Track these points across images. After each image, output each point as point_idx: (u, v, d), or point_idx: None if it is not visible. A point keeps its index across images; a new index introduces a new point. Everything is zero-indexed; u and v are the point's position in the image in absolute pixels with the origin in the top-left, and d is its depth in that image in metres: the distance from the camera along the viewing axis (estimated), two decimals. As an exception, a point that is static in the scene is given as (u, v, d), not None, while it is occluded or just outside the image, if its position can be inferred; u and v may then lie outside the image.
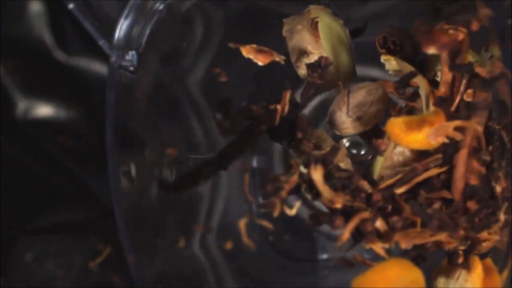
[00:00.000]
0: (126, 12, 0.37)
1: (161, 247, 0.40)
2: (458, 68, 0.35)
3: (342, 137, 0.45)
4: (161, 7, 0.37)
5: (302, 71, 0.38)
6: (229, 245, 0.45)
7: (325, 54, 0.38)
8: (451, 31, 0.34)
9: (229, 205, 0.47)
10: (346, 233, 0.33)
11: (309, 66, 0.37)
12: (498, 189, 0.34)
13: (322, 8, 0.39)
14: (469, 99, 0.35)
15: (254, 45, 0.37)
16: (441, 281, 0.36)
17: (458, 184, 0.34)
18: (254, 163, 0.50)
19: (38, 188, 0.54)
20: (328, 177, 0.33)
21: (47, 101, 0.54)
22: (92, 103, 0.54)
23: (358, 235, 0.34)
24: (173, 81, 0.41)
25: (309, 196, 0.35)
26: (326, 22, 0.39)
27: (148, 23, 0.37)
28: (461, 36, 0.33)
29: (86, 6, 0.38)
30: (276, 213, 0.34)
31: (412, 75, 0.35)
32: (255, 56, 0.37)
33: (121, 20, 0.37)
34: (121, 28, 0.37)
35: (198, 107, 0.44)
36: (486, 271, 0.35)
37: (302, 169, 0.34)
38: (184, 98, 0.43)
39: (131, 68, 0.37)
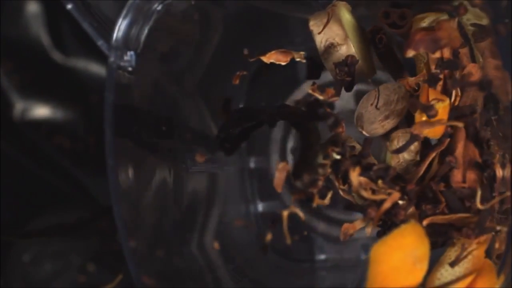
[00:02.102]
0: (124, 12, 0.36)
1: (160, 248, 0.40)
2: (444, 65, 0.36)
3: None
4: (159, 7, 0.37)
5: (330, 63, 0.39)
6: (227, 245, 0.46)
7: (352, 46, 0.38)
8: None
9: (227, 206, 0.47)
10: (378, 215, 0.34)
11: (337, 65, 0.38)
12: (499, 174, 0.35)
13: (345, 5, 0.39)
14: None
15: (273, 51, 0.38)
16: (452, 252, 0.37)
17: (456, 174, 0.35)
18: (252, 164, 0.50)
19: (35, 189, 0.54)
20: (365, 170, 0.35)
21: (45, 102, 0.54)
22: (90, 104, 0.54)
23: (388, 225, 0.35)
24: (172, 81, 0.41)
25: (342, 193, 0.36)
26: (348, 18, 0.39)
27: (146, 23, 0.37)
28: (435, 28, 0.34)
29: (85, 6, 0.38)
30: (315, 204, 0.35)
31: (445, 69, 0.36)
32: (277, 58, 0.38)
33: (120, 20, 0.37)
34: (120, 29, 0.37)
35: (197, 107, 0.44)
36: (483, 268, 0.35)
37: (336, 156, 0.35)
38: (183, 98, 0.43)
39: (130, 69, 0.37)
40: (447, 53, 0.36)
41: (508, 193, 0.35)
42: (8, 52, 0.53)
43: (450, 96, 0.36)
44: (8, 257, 0.53)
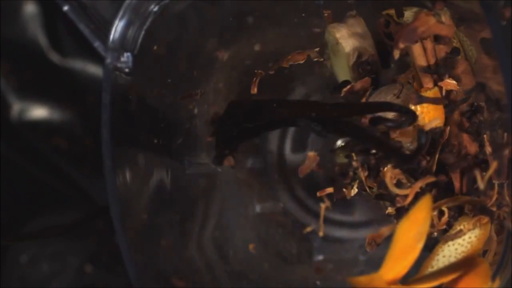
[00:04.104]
0: (121, 13, 0.36)
1: (158, 248, 0.40)
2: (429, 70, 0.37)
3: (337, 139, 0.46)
4: (155, 8, 0.37)
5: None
6: (225, 246, 0.45)
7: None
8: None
9: (224, 207, 0.47)
10: (411, 195, 0.36)
11: (360, 64, 0.39)
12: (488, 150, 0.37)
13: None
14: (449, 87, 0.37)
15: (290, 56, 0.41)
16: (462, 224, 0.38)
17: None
18: (249, 164, 0.50)
19: (32, 190, 0.54)
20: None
21: (42, 103, 0.54)
22: (87, 105, 0.54)
23: None
24: (169, 82, 0.41)
25: (367, 187, 0.39)
26: None
27: (143, 24, 0.37)
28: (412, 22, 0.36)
29: (81, 7, 0.37)
30: (348, 196, 0.40)
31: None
32: (295, 59, 0.41)
33: (116, 22, 0.36)
34: (116, 30, 0.37)
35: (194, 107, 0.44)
36: (477, 266, 0.35)
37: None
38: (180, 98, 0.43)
39: (127, 70, 0.37)
40: (430, 44, 0.36)
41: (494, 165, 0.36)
42: (5, 53, 0.53)
43: (440, 88, 0.37)
44: (6, 258, 0.53)
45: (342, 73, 0.41)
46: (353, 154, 0.40)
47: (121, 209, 0.37)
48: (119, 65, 0.37)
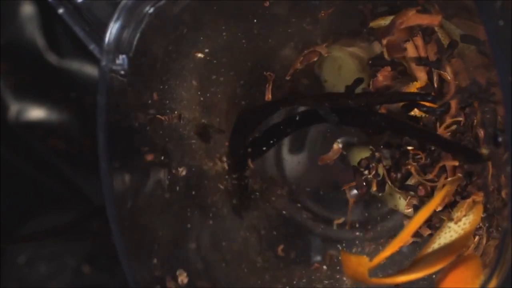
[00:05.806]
0: (116, 15, 0.36)
1: (156, 249, 0.40)
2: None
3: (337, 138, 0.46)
4: (151, 10, 0.37)
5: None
6: (224, 247, 0.46)
7: None
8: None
9: (223, 208, 0.47)
10: (436, 169, 0.38)
11: (373, 60, 0.41)
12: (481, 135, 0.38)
13: None
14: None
15: (302, 57, 0.42)
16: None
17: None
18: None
19: (30, 191, 0.54)
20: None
21: (39, 103, 0.54)
22: (84, 106, 0.54)
23: None
24: (165, 84, 0.41)
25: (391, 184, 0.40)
26: None
27: (138, 26, 0.37)
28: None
29: (76, 10, 0.37)
30: (374, 190, 0.41)
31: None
32: (309, 59, 0.42)
33: (111, 24, 0.36)
34: (111, 32, 0.37)
35: (190, 109, 0.44)
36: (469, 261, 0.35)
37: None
38: (176, 100, 0.43)
39: (122, 72, 0.37)
40: (420, 41, 0.37)
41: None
42: (3, 54, 0.53)
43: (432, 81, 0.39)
44: (4, 259, 0.53)
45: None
46: (372, 148, 0.41)
47: (118, 210, 0.37)
48: (114, 67, 0.37)
